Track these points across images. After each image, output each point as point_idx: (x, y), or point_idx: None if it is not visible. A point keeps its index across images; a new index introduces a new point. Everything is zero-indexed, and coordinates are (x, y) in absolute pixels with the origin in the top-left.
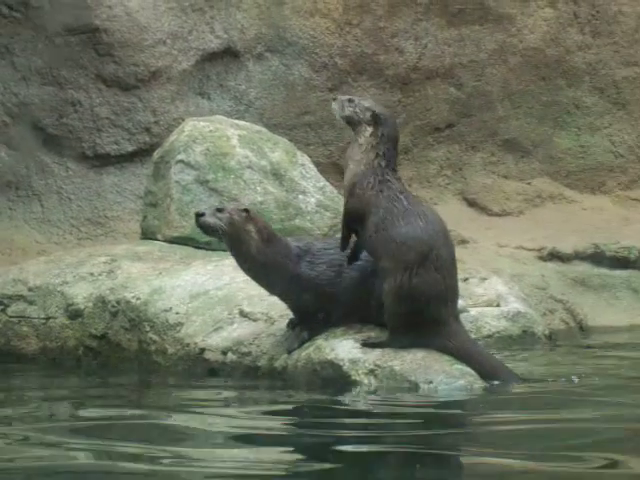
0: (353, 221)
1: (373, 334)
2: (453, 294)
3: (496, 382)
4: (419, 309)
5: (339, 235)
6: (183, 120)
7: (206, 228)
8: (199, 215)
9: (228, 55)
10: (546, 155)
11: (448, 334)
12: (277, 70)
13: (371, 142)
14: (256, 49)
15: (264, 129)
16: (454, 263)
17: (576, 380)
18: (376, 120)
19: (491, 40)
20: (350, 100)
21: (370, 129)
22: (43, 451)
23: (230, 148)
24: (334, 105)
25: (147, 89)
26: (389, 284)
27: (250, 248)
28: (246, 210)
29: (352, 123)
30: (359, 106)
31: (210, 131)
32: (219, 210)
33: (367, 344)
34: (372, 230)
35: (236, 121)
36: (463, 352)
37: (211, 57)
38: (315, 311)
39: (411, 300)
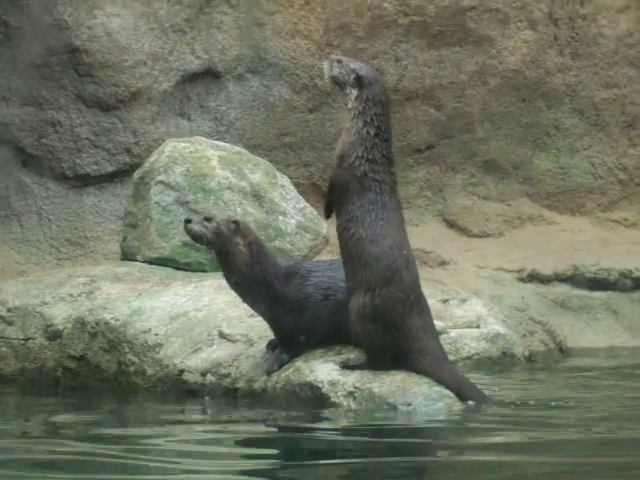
0: (335, 192)
1: (352, 356)
2: (419, 309)
3: (470, 403)
4: (385, 327)
5: (324, 257)
6: (163, 141)
7: (192, 235)
8: (187, 221)
9: (208, 76)
10: (526, 176)
11: (419, 350)
12: (257, 91)
13: (357, 107)
14: (236, 70)
15: (244, 150)
16: (417, 282)
17: (554, 404)
18: (360, 83)
19: (471, 62)
20: (339, 61)
21: (355, 92)
22: None
23: (210, 169)
24: (324, 64)
25: (127, 110)
26: (353, 304)
27: (237, 261)
28: (235, 222)
29: (339, 85)
30: (346, 67)
31: (190, 152)
32: (207, 219)
33: (346, 366)
34: (343, 220)
35: (216, 142)
36: (435, 369)
37: (191, 78)
38: (298, 333)
39: (376, 319)
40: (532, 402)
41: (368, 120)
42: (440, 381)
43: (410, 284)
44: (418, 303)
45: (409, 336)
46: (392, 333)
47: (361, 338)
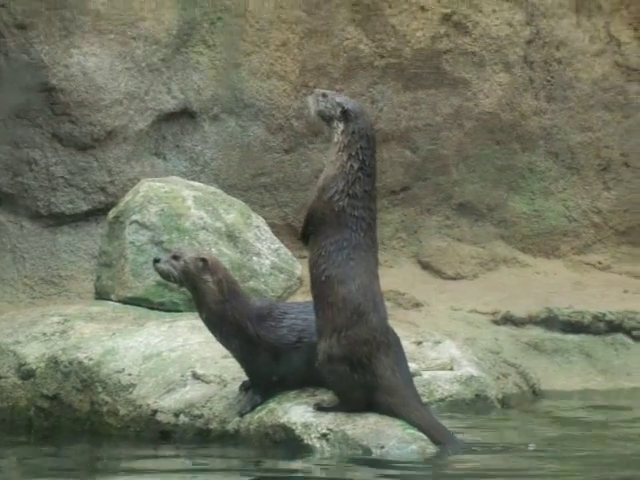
0: (312, 222)
1: (326, 397)
2: (386, 349)
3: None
4: (352, 368)
5: (300, 299)
6: (138, 180)
7: (160, 274)
8: (155, 261)
9: (184, 116)
10: (500, 219)
11: (387, 390)
12: (233, 131)
13: (343, 140)
14: (212, 110)
15: (219, 190)
16: (385, 323)
17: (532, 447)
18: (346, 116)
19: (446, 104)
20: (324, 95)
21: (341, 126)
22: None
23: (185, 209)
24: (309, 99)
25: (103, 149)
26: (320, 345)
27: (206, 298)
28: (203, 259)
29: (325, 119)
30: (331, 101)
31: (165, 192)
32: (175, 257)
33: (320, 408)
34: (315, 255)
35: (191, 182)
36: (403, 409)
37: (167, 117)
38: (270, 374)
39: (342, 360)
40: (500, 447)
41: (353, 154)
42: (408, 421)
43: (376, 325)
44: (385, 344)
45: (376, 376)
46: (359, 373)
47: (329, 379)
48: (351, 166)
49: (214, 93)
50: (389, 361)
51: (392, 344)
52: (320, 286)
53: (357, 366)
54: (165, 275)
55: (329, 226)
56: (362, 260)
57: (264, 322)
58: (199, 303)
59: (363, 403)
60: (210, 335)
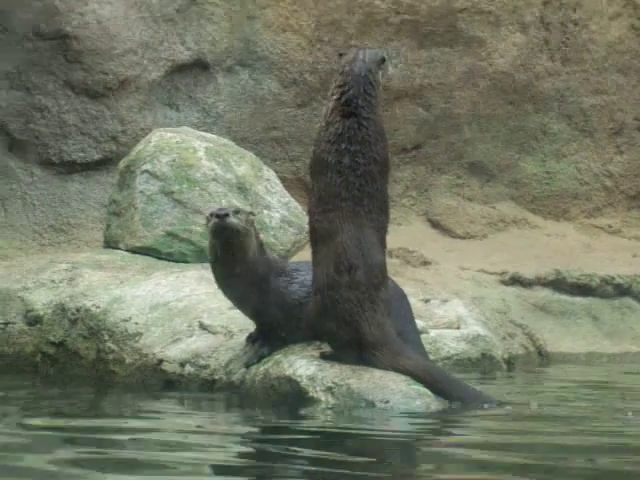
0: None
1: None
2: (373, 305)
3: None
4: (338, 325)
5: (308, 254)
6: (150, 130)
7: (228, 228)
8: (224, 215)
9: (198, 67)
10: (511, 180)
11: (374, 346)
12: (246, 84)
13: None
14: (226, 62)
15: (231, 142)
16: (371, 279)
17: (535, 406)
18: None
19: (461, 63)
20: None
21: None
22: None
23: (196, 160)
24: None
25: (115, 98)
26: (310, 302)
27: (248, 252)
28: (252, 213)
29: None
30: None
31: (177, 142)
32: (236, 212)
33: (323, 356)
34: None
35: (203, 133)
36: (391, 361)
37: (181, 68)
38: (281, 328)
39: (327, 317)
40: (502, 405)
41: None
42: (404, 373)
43: (358, 283)
44: (369, 299)
45: (360, 332)
46: (345, 330)
47: (321, 335)
48: (330, 110)
49: (228, 45)
50: (376, 317)
51: (383, 299)
52: (310, 242)
53: (341, 323)
54: (234, 229)
55: (312, 177)
56: (344, 211)
57: (281, 276)
58: (239, 257)
59: (356, 357)
60: (216, 287)
